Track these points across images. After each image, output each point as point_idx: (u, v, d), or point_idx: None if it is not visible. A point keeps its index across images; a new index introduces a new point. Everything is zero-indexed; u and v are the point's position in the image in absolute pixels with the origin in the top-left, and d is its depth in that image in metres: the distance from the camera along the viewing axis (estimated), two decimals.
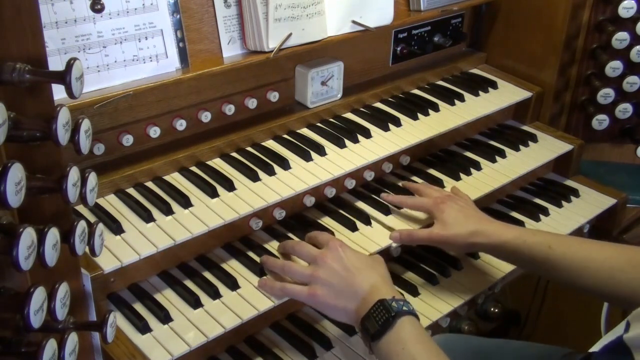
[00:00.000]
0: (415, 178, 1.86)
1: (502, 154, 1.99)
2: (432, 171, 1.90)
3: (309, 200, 1.66)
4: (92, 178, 0.96)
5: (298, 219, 1.64)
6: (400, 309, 1.24)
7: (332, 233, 1.58)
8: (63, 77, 0.88)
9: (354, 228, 1.62)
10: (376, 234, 1.61)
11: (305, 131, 1.80)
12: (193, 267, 1.48)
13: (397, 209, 1.70)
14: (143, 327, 1.31)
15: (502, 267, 1.71)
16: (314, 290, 1.36)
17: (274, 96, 1.77)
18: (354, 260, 1.38)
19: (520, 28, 2.17)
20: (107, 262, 1.30)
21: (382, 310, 1.24)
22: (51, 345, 0.89)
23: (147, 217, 1.42)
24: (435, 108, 1.97)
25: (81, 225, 0.96)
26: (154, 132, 1.57)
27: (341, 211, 1.67)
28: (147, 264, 1.42)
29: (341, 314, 1.35)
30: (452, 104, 2.01)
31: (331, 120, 1.86)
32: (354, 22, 1.78)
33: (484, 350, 1.65)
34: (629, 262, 1.34)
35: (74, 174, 0.91)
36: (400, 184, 1.80)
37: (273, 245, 1.55)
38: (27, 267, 0.82)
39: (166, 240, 1.38)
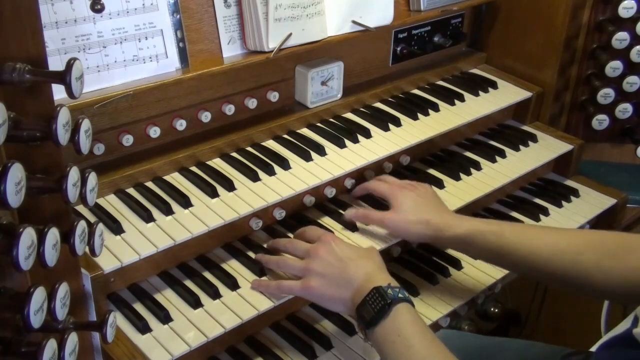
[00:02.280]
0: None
1: (502, 154, 1.99)
2: (432, 171, 1.89)
3: (309, 200, 1.66)
4: (92, 178, 0.96)
5: (298, 219, 1.64)
6: (396, 296, 1.24)
7: (332, 233, 1.58)
8: (63, 77, 0.88)
9: (354, 228, 1.62)
10: (376, 234, 1.61)
11: (305, 131, 1.80)
12: (193, 267, 1.48)
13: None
14: (143, 327, 1.31)
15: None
16: (308, 282, 1.36)
17: (274, 96, 1.77)
18: (347, 251, 1.38)
19: (520, 28, 2.16)
20: (107, 262, 1.30)
21: (378, 297, 1.25)
22: (51, 346, 0.89)
23: (147, 217, 1.42)
24: (435, 108, 1.97)
25: (81, 225, 0.96)
26: (154, 132, 1.57)
27: (341, 211, 1.67)
28: (147, 264, 1.42)
29: (337, 303, 1.35)
30: (452, 104, 2.01)
31: (331, 120, 1.86)
32: (354, 22, 1.77)
33: (484, 348, 1.65)
34: (584, 245, 1.36)
35: (74, 174, 0.91)
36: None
37: None
38: (27, 267, 0.82)
39: (166, 240, 1.38)
